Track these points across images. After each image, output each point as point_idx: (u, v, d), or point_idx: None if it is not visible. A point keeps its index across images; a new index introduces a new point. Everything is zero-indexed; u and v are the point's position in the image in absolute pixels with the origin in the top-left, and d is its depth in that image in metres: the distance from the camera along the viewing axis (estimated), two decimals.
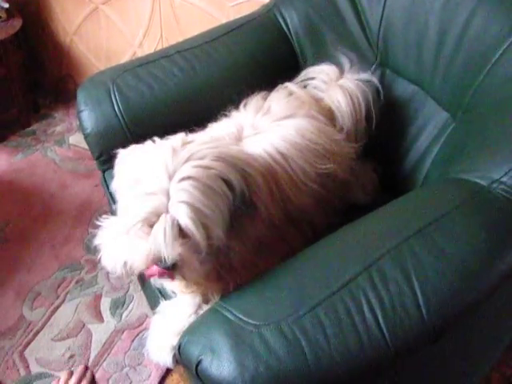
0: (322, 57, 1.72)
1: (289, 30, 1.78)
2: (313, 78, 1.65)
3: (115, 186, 1.20)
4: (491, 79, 1.38)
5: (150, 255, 1.07)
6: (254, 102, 1.48)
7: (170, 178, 1.06)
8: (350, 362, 0.99)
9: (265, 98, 1.50)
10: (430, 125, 1.58)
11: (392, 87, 1.68)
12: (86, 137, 1.64)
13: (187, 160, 1.09)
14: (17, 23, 2.63)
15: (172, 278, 1.13)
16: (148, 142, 1.22)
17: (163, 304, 1.32)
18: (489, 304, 1.15)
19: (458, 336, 1.19)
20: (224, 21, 2.08)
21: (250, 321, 1.02)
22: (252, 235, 1.21)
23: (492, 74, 1.37)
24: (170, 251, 1.05)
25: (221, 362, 0.98)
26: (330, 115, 1.54)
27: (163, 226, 1.05)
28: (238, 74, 1.70)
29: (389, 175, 1.65)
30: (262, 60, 1.74)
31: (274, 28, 1.79)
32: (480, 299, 1.08)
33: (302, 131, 1.38)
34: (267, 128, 1.38)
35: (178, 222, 1.05)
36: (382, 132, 1.60)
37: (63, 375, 1.72)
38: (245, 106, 1.49)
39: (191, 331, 1.08)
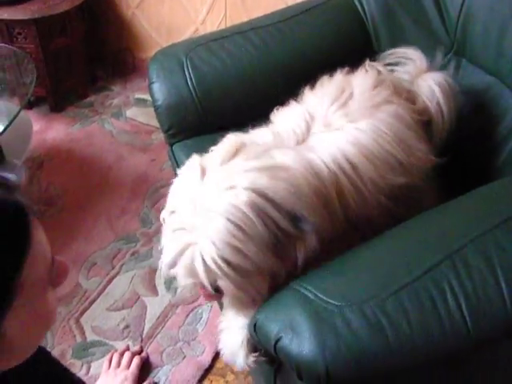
0: (397, 43, 1.69)
1: (365, 13, 1.75)
2: (397, 64, 1.57)
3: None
4: None
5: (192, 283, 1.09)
6: (334, 84, 1.38)
7: (196, 210, 1.02)
8: (432, 347, 0.99)
9: (347, 80, 1.40)
10: (507, 117, 1.53)
11: (468, 77, 1.64)
12: (156, 109, 1.63)
13: (217, 189, 1.03)
14: None
15: (219, 298, 1.14)
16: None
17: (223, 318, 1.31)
18: None
19: None
20: (290, 3, 2.07)
21: (331, 301, 1.01)
22: (303, 255, 1.11)
23: None
24: (206, 281, 1.04)
25: (302, 341, 0.98)
26: (421, 114, 1.41)
27: (191, 261, 1.03)
28: (311, 54, 1.68)
29: (461, 168, 1.62)
30: (337, 42, 1.71)
31: (349, 10, 1.76)
32: None
33: (379, 138, 1.25)
34: (340, 126, 1.25)
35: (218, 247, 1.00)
36: (455, 124, 1.57)
37: (120, 348, 1.77)
38: (322, 86, 1.41)
39: (268, 309, 1.07)
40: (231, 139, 1.20)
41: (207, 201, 1.02)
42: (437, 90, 1.45)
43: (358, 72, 1.45)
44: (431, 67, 1.53)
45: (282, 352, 1.01)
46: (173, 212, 1.08)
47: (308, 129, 1.26)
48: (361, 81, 1.38)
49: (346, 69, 1.45)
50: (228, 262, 1.01)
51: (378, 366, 0.97)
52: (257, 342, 1.10)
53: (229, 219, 1.00)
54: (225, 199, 1.02)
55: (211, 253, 1.00)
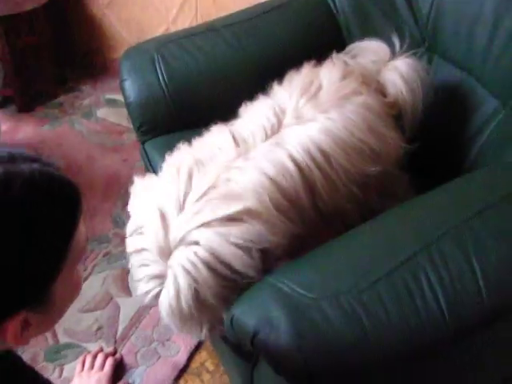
0: (369, 36, 1.69)
1: (336, 8, 1.76)
2: (360, 56, 1.57)
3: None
4: None
5: None
6: (303, 77, 1.39)
7: (166, 259, 1.08)
8: (410, 338, 0.99)
9: (315, 73, 1.40)
10: (479, 111, 1.55)
11: (440, 73, 1.64)
12: (128, 106, 1.62)
13: (181, 240, 1.08)
14: None
15: None
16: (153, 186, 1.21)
17: None
18: None
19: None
20: (262, 0, 2.06)
21: (307, 294, 1.01)
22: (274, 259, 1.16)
23: None
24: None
25: (279, 334, 0.97)
26: (392, 107, 1.42)
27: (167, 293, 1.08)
28: (283, 48, 1.68)
29: (433, 161, 1.63)
30: (308, 36, 1.72)
31: (320, 5, 1.77)
32: None
33: (350, 126, 1.25)
34: (312, 117, 1.26)
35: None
36: (427, 118, 1.58)
37: (93, 350, 1.73)
38: (291, 80, 1.41)
39: (244, 303, 1.07)
40: (184, 160, 1.20)
41: (173, 252, 1.08)
42: (399, 79, 1.46)
43: (325, 64, 1.45)
44: (396, 55, 1.53)
45: (260, 346, 1.00)
46: (139, 232, 1.14)
47: (279, 122, 1.26)
48: (329, 73, 1.38)
49: (313, 62, 1.45)
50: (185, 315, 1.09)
51: (356, 357, 0.97)
52: (233, 337, 1.09)
53: (189, 273, 1.06)
54: (186, 255, 1.07)
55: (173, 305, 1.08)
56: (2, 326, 0.74)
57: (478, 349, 1.13)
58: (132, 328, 1.82)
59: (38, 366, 1.68)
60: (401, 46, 1.59)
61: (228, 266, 1.07)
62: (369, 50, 1.57)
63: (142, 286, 1.11)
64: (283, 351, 0.96)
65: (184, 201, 1.11)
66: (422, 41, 1.67)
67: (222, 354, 1.58)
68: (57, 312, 0.85)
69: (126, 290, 1.93)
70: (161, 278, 1.08)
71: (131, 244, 1.15)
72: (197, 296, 1.07)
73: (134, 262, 1.14)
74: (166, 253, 1.08)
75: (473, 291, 1.01)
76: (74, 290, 0.88)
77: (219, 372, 1.70)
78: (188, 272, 1.05)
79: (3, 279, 0.71)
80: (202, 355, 1.75)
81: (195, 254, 1.06)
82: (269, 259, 1.11)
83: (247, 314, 1.03)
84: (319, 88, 1.34)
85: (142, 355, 1.75)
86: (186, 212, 1.10)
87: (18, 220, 0.71)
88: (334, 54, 1.49)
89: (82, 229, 0.81)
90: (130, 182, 1.25)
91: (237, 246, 1.07)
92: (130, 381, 1.68)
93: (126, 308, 1.88)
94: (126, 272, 1.98)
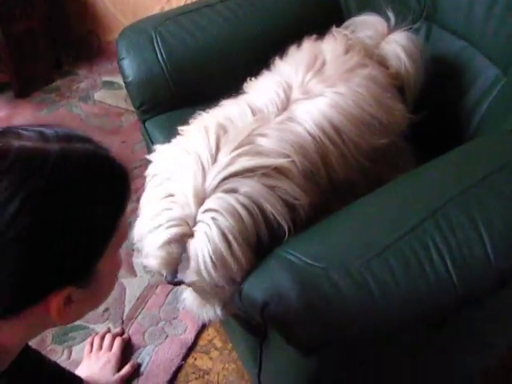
0: (366, 9, 1.68)
1: None
2: (357, 31, 1.56)
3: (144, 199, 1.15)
4: None
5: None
6: (305, 52, 1.38)
7: (199, 204, 1.04)
8: (419, 302, 0.99)
9: (317, 48, 1.39)
10: (480, 80, 1.54)
11: (439, 43, 1.64)
12: (127, 85, 1.61)
13: (217, 188, 1.05)
14: None
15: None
16: (180, 142, 1.18)
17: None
18: None
19: None
20: None
21: (316, 264, 1.01)
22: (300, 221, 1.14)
23: None
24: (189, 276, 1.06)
25: (289, 305, 0.97)
26: (395, 78, 1.43)
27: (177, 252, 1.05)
28: (281, 23, 1.68)
29: (435, 132, 1.63)
30: (305, 10, 1.72)
31: None
32: None
33: (359, 100, 1.26)
34: (320, 92, 1.25)
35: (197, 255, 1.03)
36: (428, 89, 1.57)
37: (101, 331, 1.74)
38: (293, 55, 1.40)
39: (253, 276, 1.06)
40: (209, 123, 1.17)
41: (208, 199, 1.04)
42: (401, 51, 1.46)
43: (326, 39, 1.44)
44: (393, 29, 1.53)
45: (270, 318, 1.00)
46: (168, 179, 1.09)
47: (287, 97, 1.25)
48: (331, 47, 1.38)
49: (314, 36, 1.44)
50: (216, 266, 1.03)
51: (366, 324, 0.97)
52: (243, 310, 1.09)
53: (228, 218, 1.02)
54: (226, 200, 1.03)
55: (206, 252, 1.02)
56: (46, 301, 0.75)
57: (485, 316, 1.13)
58: (138, 308, 1.83)
59: (46, 349, 1.69)
60: (397, 20, 1.58)
61: (265, 215, 1.06)
62: (366, 25, 1.56)
63: (161, 234, 1.05)
64: (294, 321, 0.96)
65: (217, 153, 1.09)
66: (421, 11, 1.66)
67: (230, 330, 1.59)
68: (99, 291, 0.86)
69: (131, 271, 1.93)
70: (188, 222, 1.04)
71: (152, 192, 1.12)
72: (228, 246, 1.03)
73: (151, 211, 1.09)
74: (200, 197, 1.04)
75: (480, 255, 1.01)
76: (116, 271, 0.90)
77: (227, 349, 1.71)
78: (228, 215, 1.03)
79: (53, 252, 0.72)
80: (210, 333, 1.76)
81: (236, 199, 1.04)
82: (297, 217, 1.11)
83: (256, 287, 1.03)
84: (323, 63, 1.33)
85: (150, 335, 1.76)
86: (220, 163, 1.07)
87: (72, 196, 0.73)
88: (334, 28, 1.48)
89: (127, 209, 0.83)
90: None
91: (274, 196, 1.06)
92: (139, 360, 1.68)
93: (132, 288, 1.88)
94: (130, 252, 1.98)
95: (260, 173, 1.07)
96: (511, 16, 1.42)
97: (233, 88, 1.38)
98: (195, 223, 1.03)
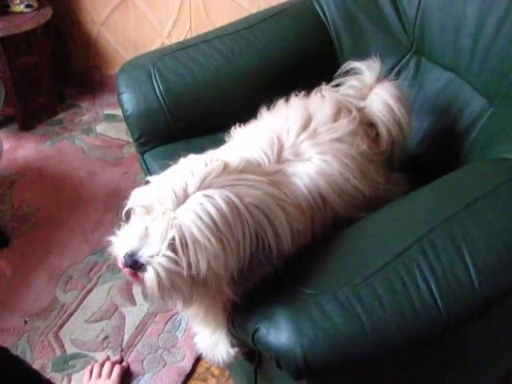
0: (358, 45, 1.74)
1: (326, 17, 1.80)
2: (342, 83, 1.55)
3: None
4: None
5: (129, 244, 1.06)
6: (296, 111, 1.35)
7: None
8: (405, 329, 1.01)
9: (306, 108, 1.36)
10: (467, 110, 1.59)
11: (428, 75, 1.69)
12: (126, 118, 1.66)
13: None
14: (47, 12, 2.66)
15: (137, 279, 1.08)
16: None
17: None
18: None
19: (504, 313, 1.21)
20: (254, 11, 2.11)
21: (305, 290, 1.04)
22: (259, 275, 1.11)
23: None
24: (150, 250, 1.03)
25: (279, 330, 1.00)
26: (378, 146, 1.43)
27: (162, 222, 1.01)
28: (276, 59, 1.72)
29: (426, 161, 1.67)
30: (300, 47, 1.76)
31: (311, 15, 1.81)
32: None
33: (346, 172, 1.25)
34: (309, 157, 1.25)
35: (180, 228, 1.00)
36: (418, 119, 1.62)
37: (101, 359, 1.77)
38: (282, 110, 1.38)
39: (246, 301, 1.09)
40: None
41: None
42: (382, 107, 1.45)
43: (315, 98, 1.43)
44: (381, 78, 1.52)
45: (260, 342, 1.03)
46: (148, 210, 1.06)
47: (279, 156, 1.24)
48: (320, 110, 1.36)
49: (302, 93, 1.45)
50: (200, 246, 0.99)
51: (354, 351, 0.99)
52: (235, 335, 1.12)
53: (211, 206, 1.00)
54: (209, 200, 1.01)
55: (197, 224, 0.98)
56: None
57: (473, 340, 1.16)
58: (138, 336, 1.85)
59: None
60: (387, 54, 1.62)
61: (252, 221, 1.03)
62: (357, 73, 1.54)
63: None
64: (283, 346, 0.98)
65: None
66: (410, 44, 1.72)
67: None
68: None
69: (131, 299, 1.97)
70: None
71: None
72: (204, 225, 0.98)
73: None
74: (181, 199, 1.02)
75: (465, 281, 1.04)
76: None
77: (224, 376, 1.73)
78: (210, 206, 0.99)
79: None
80: (208, 360, 1.78)
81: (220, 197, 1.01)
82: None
83: (248, 312, 1.06)
84: (316, 126, 1.32)
85: (148, 362, 1.78)
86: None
87: None
88: (323, 86, 1.47)
89: None
90: (131, 194, 1.21)
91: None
92: None
93: (131, 317, 1.91)
94: (130, 281, 2.01)
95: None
96: (496, 48, 1.47)
97: (228, 123, 1.42)
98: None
